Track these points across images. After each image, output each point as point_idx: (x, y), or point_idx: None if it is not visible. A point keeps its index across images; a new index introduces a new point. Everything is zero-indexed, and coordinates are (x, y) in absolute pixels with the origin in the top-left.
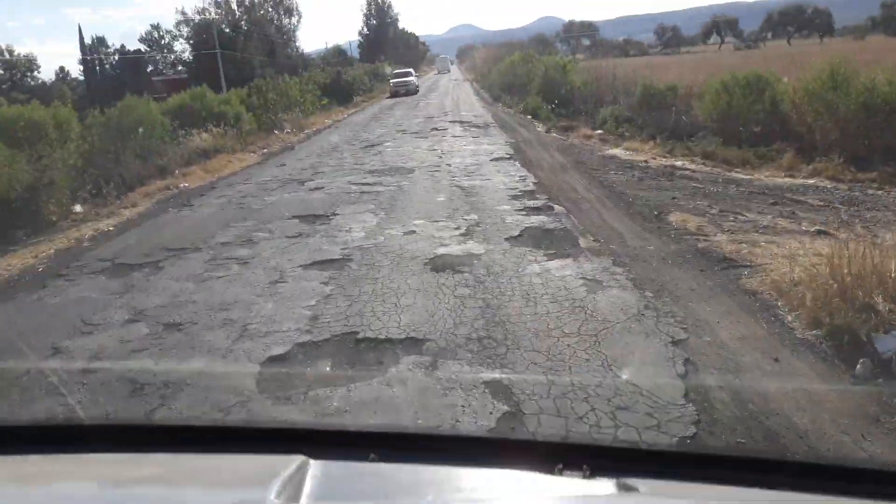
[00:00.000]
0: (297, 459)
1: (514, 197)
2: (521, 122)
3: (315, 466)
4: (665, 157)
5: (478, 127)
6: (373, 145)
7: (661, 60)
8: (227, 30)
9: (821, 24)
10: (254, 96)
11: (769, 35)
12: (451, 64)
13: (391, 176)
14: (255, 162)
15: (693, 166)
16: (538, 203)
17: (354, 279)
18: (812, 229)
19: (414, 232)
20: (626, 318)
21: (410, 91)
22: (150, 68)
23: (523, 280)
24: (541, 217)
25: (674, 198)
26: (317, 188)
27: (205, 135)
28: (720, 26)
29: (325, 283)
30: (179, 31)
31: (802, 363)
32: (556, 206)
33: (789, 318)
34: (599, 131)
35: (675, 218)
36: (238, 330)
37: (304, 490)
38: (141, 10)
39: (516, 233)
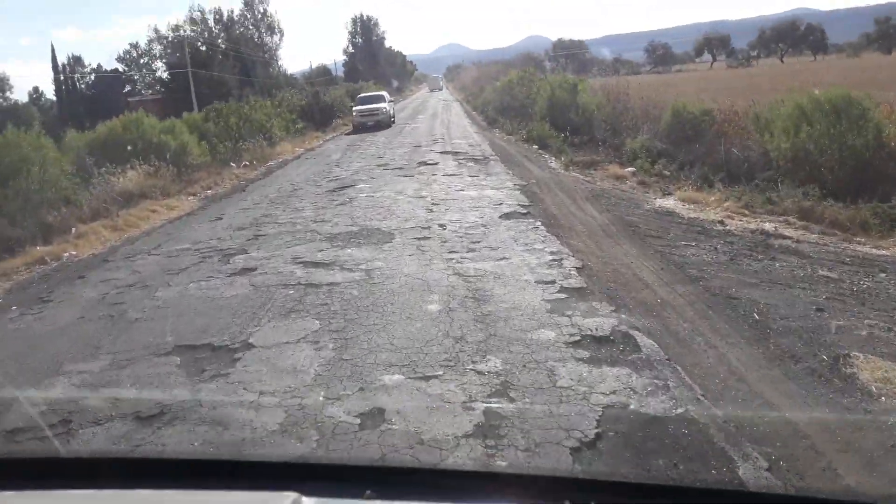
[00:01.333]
0: (290, 497)
1: (555, 306)
2: (526, 153)
3: None
4: (743, 213)
5: (475, 160)
6: (343, 187)
7: (661, 79)
8: (203, 48)
9: (814, 41)
10: (211, 121)
11: (759, 52)
12: (441, 82)
13: (358, 247)
14: (187, 211)
15: (791, 232)
16: (603, 324)
17: None
18: None
19: (383, 414)
20: None
21: (382, 123)
22: (127, 88)
23: None
24: (622, 371)
25: (819, 309)
26: (244, 271)
27: (131, 173)
28: (712, 44)
29: None
30: (151, 48)
31: None
32: (636, 335)
33: None
34: (631, 169)
35: (866, 373)
36: None
37: None
38: (131, 30)
39: (591, 429)
